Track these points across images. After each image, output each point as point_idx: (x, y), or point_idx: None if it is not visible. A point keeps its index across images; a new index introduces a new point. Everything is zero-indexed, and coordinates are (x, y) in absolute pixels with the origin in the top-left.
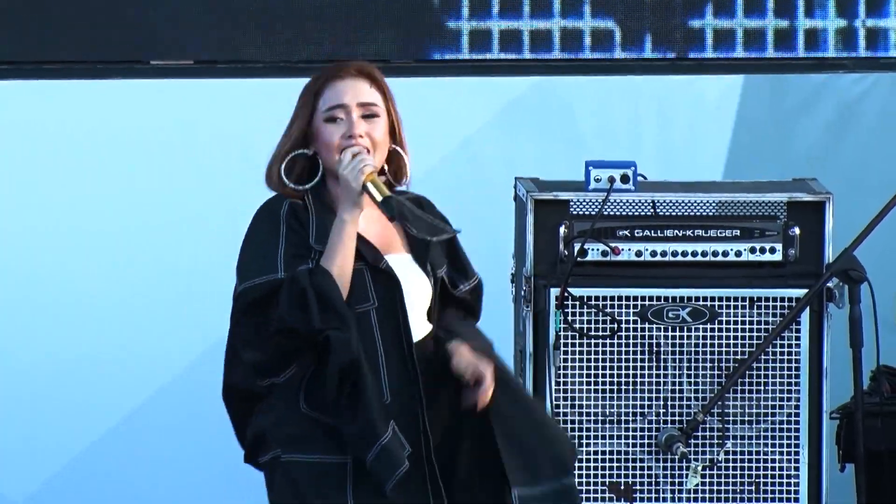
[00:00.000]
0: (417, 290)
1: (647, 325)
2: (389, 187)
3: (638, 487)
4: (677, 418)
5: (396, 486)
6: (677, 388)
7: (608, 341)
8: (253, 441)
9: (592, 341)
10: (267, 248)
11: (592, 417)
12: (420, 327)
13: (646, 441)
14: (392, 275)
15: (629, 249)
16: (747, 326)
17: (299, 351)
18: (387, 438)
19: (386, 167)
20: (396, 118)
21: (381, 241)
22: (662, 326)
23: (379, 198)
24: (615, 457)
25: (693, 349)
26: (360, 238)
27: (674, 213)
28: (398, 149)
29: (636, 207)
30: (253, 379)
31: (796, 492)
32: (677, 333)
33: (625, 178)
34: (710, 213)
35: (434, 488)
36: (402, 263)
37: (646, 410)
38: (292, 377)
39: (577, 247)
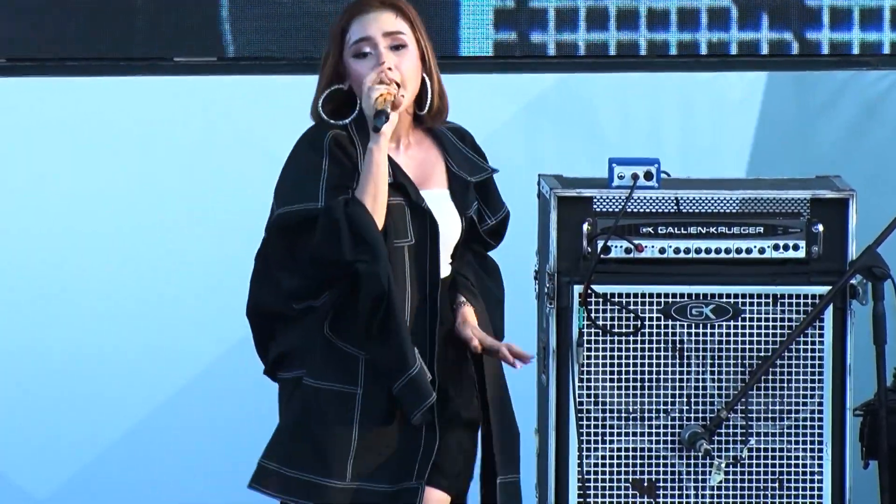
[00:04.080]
0: (450, 228)
1: (670, 322)
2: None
3: (661, 484)
4: (701, 415)
5: (396, 422)
6: (701, 384)
7: (631, 338)
8: (278, 357)
9: (616, 338)
10: (308, 175)
11: (616, 414)
12: (446, 266)
13: (669, 438)
14: (430, 214)
15: (652, 246)
16: (771, 323)
17: (334, 279)
18: (415, 370)
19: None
20: (427, 46)
21: (421, 174)
22: (686, 323)
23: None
24: (638, 453)
25: (716, 346)
26: (403, 173)
27: (697, 211)
28: (425, 76)
29: (659, 204)
30: (284, 300)
31: (819, 488)
32: (700, 330)
33: (648, 175)
34: (734, 211)
35: (429, 431)
36: (438, 199)
37: (669, 407)
38: (325, 302)
39: (600, 244)
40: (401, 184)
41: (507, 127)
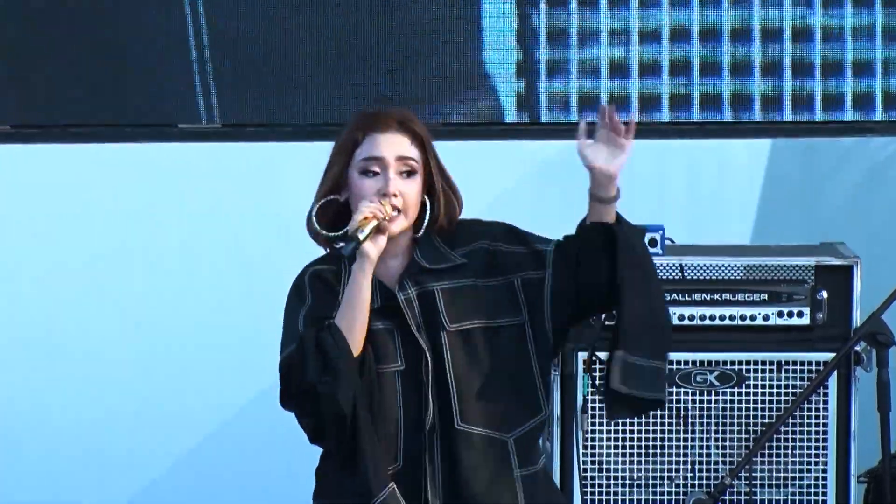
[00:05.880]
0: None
1: (674, 389)
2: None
3: None
4: (705, 482)
5: None
6: (705, 451)
7: None
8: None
9: None
10: (292, 319)
11: (620, 481)
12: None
13: None
14: (419, 344)
15: None
16: (775, 390)
17: (313, 411)
18: (380, 499)
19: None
20: (436, 166)
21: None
22: (690, 390)
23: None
24: None
25: (721, 413)
26: (408, 302)
27: (701, 277)
28: (445, 189)
29: (664, 271)
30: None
31: None
32: (705, 397)
33: (652, 242)
34: (738, 277)
35: None
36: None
37: (674, 474)
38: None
39: None
40: (390, 308)
41: (512, 192)
